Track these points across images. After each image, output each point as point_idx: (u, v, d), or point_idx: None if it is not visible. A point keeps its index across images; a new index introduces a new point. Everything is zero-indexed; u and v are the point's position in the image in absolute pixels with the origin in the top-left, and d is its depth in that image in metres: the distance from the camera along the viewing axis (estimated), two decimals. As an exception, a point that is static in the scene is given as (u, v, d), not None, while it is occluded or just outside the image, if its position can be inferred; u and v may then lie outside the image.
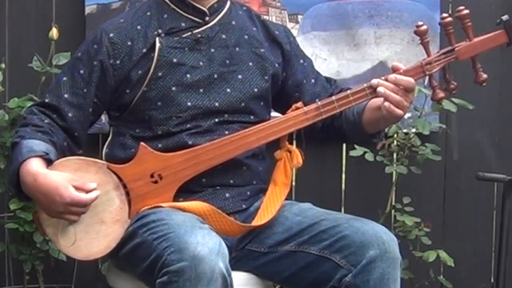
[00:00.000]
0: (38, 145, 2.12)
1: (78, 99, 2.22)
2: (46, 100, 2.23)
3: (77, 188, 2.05)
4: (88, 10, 2.89)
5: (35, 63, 2.71)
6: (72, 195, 2.04)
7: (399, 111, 2.12)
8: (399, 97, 2.12)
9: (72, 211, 2.06)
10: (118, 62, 2.22)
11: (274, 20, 2.87)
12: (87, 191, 2.06)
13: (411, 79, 2.13)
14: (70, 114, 2.21)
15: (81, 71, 2.23)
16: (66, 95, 2.22)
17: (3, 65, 2.73)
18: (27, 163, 2.08)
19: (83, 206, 2.07)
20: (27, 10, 2.92)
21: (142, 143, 2.16)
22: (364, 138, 2.31)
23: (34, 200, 2.11)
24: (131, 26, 2.25)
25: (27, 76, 2.81)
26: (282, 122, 2.18)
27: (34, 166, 2.07)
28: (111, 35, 2.23)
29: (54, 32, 2.74)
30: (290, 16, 2.98)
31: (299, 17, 2.98)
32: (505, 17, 2.16)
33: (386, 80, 2.14)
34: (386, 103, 2.12)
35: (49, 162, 2.10)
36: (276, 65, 2.32)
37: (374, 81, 2.15)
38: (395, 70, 2.16)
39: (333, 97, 2.18)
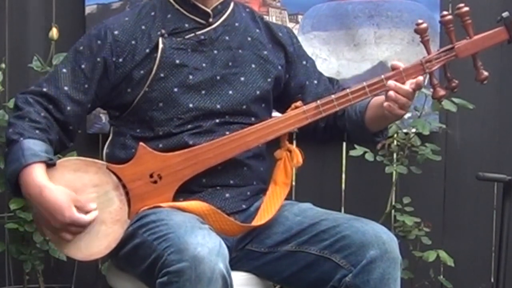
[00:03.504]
0: (40, 146, 2.09)
1: (79, 95, 2.20)
2: (44, 90, 2.19)
3: (78, 208, 2.06)
4: (88, 10, 2.89)
5: (35, 63, 2.71)
6: (73, 217, 2.05)
7: (401, 111, 2.13)
8: (406, 100, 2.12)
9: (70, 231, 2.08)
10: (120, 60, 2.21)
11: (274, 20, 2.87)
12: (87, 212, 2.08)
13: (420, 78, 2.14)
14: (68, 108, 2.19)
15: (83, 66, 2.21)
16: (66, 88, 2.19)
17: (3, 65, 2.72)
18: (31, 170, 2.06)
19: (82, 227, 2.08)
20: (27, 10, 2.92)
21: (141, 143, 2.16)
22: (367, 137, 2.31)
23: (33, 207, 2.10)
24: (136, 26, 2.24)
25: (27, 76, 2.81)
26: (281, 121, 2.18)
27: (40, 177, 2.06)
28: (116, 32, 2.22)
29: (54, 32, 2.74)
30: (290, 16, 2.98)
31: (299, 17, 2.98)
32: (505, 14, 2.15)
33: (395, 77, 2.13)
34: (389, 103, 2.12)
35: (51, 166, 2.09)
36: (279, 67, 2.31)
37: (391, 83, 2.13)
38: (394, 68, 2.15)
39: (332, 96, 2.17)
